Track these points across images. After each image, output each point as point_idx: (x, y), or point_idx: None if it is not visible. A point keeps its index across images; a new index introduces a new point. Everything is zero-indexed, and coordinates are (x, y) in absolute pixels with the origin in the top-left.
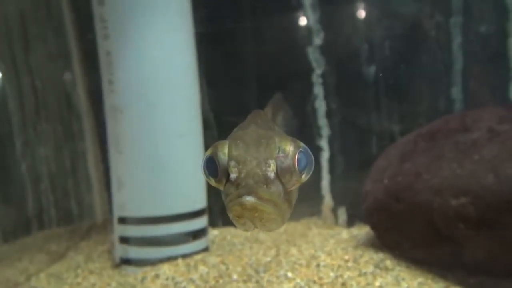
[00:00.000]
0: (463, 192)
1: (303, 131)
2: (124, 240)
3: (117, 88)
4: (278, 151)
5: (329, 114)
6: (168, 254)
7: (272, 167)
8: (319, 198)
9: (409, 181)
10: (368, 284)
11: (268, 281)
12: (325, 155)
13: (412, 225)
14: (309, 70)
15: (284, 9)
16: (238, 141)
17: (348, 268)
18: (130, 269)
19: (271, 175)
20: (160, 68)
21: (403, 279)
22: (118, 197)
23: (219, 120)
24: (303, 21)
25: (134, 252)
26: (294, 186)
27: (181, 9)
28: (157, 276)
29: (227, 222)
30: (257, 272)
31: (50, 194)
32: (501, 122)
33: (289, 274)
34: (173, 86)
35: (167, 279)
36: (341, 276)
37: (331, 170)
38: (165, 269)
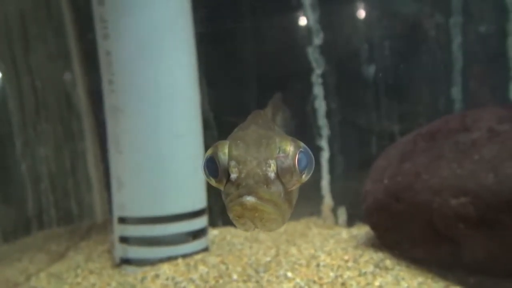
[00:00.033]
0: (463, 192)
1: (301, 131)
2: (124, 240)
3: (117, 88)
4: (279, 151)
5: (329, 114)
6: (168, 254)
7: (273, 167)
8: (319, 198)
9: (409, 181)
10: (368, 284)
11: (268, 281)
12: (325, 155)
13: (412, 225)
14: (309, 70)
15: (284, 9)
16: (239, 141)
17: (348, 268)
18: (130, 269)
19: (272, 175)
20: (160, 68)
21: (403, 279)
22: (118, 197)
23: (219, 120)
24: (303, 21)
25: (134, 252)
26: (294, 186)
27: (181, 9)
28: (157, 276)
29: (227, 222)
30: (257, 272)
31: (50, 194)
32: (501, 122)
33: (289, 274)
34: (173, 86)
35: (167, 279)
36: (341, 276)
37: (331, 170)
38: (165, 269)
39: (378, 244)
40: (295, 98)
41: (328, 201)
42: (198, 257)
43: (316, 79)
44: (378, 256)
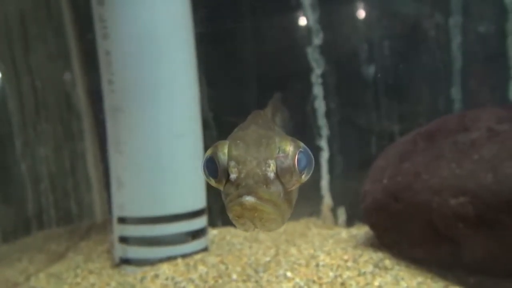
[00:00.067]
0: (462, 191)
1: (301, 131)
2: (124, 240)
3: (117, 88)
4: (278, 151)
5: (328, 114)
6: (168, 254)
7: (272, 167)
8: (319, 198)
9: (408, 181)
10: (367, 283)
11: (268, 280)
12: (324, 155)
13: (411, 225)
14: (309, 70)
15: (283, 9)
16: (238, 141)
17: (348, 268)
18: (129, 269)
19: (271, 175)
20: (159, 68)
21: (402, 279)
22: (117, 197)
23: (219, 120)
24: (302, 21)
25: (134, 252)
26: (294, 186)
27: (181, 9)
28: (156, 276)
29: (227, 222)
30: (256, 271)
31: (50, 194)
32: (500, 122)
33: (289, 274)
34: (173, 86)
35: (166, 279)
36: (340, 275)
37: (331, 170)
38: (165, 269)
39: (377, 244)
40: (295, 98)
41: (327, 201)
42: (197, 257)
43: (315, 79)
44: (377, 256)
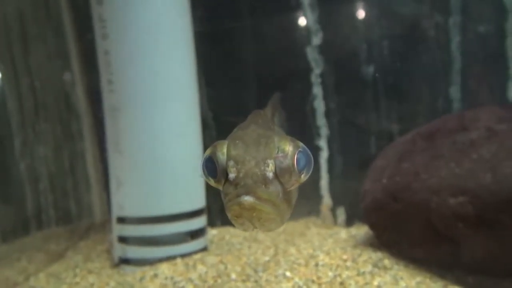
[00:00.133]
0: (461, 191)
1: (300, 131)
2: (123, 239)
3: (116, 88)
4: (277, 151)
5: (328, 114)
6: (167, 254)
7: (271, 167)
8: (318, 197)
9: (407, 181)
10: (366, 283)
11: (267, 280)
12: (324, 155)
13: (410, 225)
14: (308, 70)
15: (283, 9)
16: (237, 141)
17: (347, 268)
18: (128, 268)
19: (270, 175)
20: (159, 68)
21: (402, 278)
22: (117, 197)
23: (218, 120)
24: (302, 21)
25: (133, 251)
26: (293, 186)
27: (180, 9)
28: (155, 275)
29: (226, 222)
30: (255, 271)
31: (49, 194)
32: (499, 121)
33: (288, 274)
34: (172, 86)
35: (165, 278)
36: (340, 275)
37: (330, 170)
38: (164, 268)
39: (376, 243)
40: (294, 98)
41: (327, 201)
42: (197, 256)
43: (315, 79)
44: (376, 255)
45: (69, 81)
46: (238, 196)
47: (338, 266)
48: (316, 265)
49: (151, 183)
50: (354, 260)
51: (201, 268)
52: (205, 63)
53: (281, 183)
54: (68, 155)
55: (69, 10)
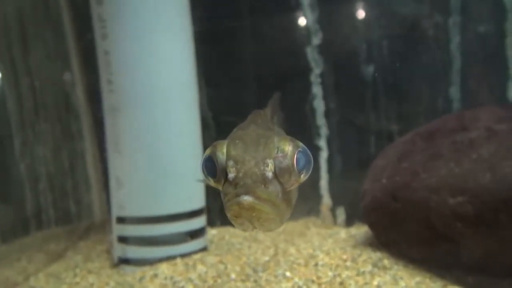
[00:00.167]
0: (461, 191)
1: (300, 131)
2: (123, 239)
3: (116, 88)
4: (277, 151)
5: (327, 114)
6: (167, 254)
7: (271, 166)
8: (318, 197)
9: (407, 180)
10: (366, 283)
11: (267, 280)
12: (323, 155)
13: (409, 224)
14: (308, 70)
15: (283, 9)
16: (237, 141)
17: (346, 267)
18: (128, 268)
19: (269, 174)
20: (158, 68)
21: (401, 278)
22: (116, 196)
23: (218, 120)
24: (301, 21)
25: (133, 251)
26: (293, 186)
27: (179, 8)
28: (155, 275)
29: (226, 222)
30: (255, 271)
31: (49, 194)
32: (499, 121)
33: (288, 274)
34: (172, 86)
35: (165, 278)
36: (339, 275)
37: (330, 170)
38: (164, 268)
39: (376, 243)
40: (293, 98)
41: (326, 200)
42: (196, 256)
43: (315, 78)
44: (376, 255)
45: (69, 81)
46: (238, 196)
47: (337, 266)
48: (316, 265)
49: (150, 183)
50: (353, 260)
51: (201, 268)
52: (205, 63)
53: (280, 183)
54: (68, 155)
55: (68, 10)
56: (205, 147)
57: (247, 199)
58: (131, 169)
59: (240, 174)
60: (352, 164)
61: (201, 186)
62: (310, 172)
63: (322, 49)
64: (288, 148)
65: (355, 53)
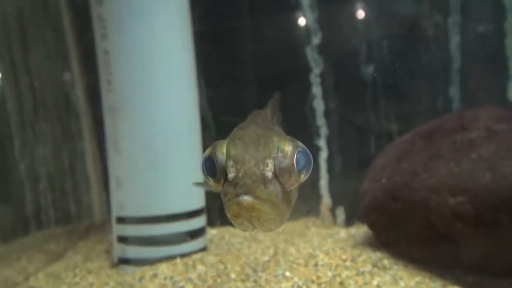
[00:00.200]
0: (461, 190)
1: (299, 130)
2: (123, 239)
3: (116, 88)
4: (277, 151)
5: (327, 114)
6: (166, 254)
7: (270, 166)
8: (318, 197)
9: (407, 180)
10: (366, 283)
11: (266, 280)
12: (323, 155)
13: (409, 224)
14: (308, 70)
15: (282, 9)
16: (237, 141)
17: (346, 267)
18: (128, 268)
19: (269, 174)
20: (158, 68)
21: (401, 278)
22: (116, 196)
23: (218, 120)
24: (301, 21)
25: (133, 251)
26: (293, 186)
27: (179, 8)
28: (155, 275)
29: (226, 222)
30: (255, 271)
31: (49, 194)
32: (499, 121)
33: (287, 274)
34: (172, 86)
35: (165, 278)
36: (339, 275)
37: (330, 170)
38: (163, 268)
39: (376, 243)
40: (293, 98)
41: (326, 200)
42: (196, 256)
43: (314, 78)
44: (376, 255)
45: (69, 81)
46: (237, 195)
47: (337, 266)
48: (316, 265)
49: (150, 182)
50: (353, 260)
51: (200, 268)
52: (205, 63)
53: (280, 183)
54: (67, 155)
55: (68, 10)
56: (205, 147)
57: (247, 199)
58: (131, 169)
59: (240, 174)
60: (352, 164)
61: None
62: (310, 172)
63: (322, 49)
64: (288, 148)
65: (354, 53)
